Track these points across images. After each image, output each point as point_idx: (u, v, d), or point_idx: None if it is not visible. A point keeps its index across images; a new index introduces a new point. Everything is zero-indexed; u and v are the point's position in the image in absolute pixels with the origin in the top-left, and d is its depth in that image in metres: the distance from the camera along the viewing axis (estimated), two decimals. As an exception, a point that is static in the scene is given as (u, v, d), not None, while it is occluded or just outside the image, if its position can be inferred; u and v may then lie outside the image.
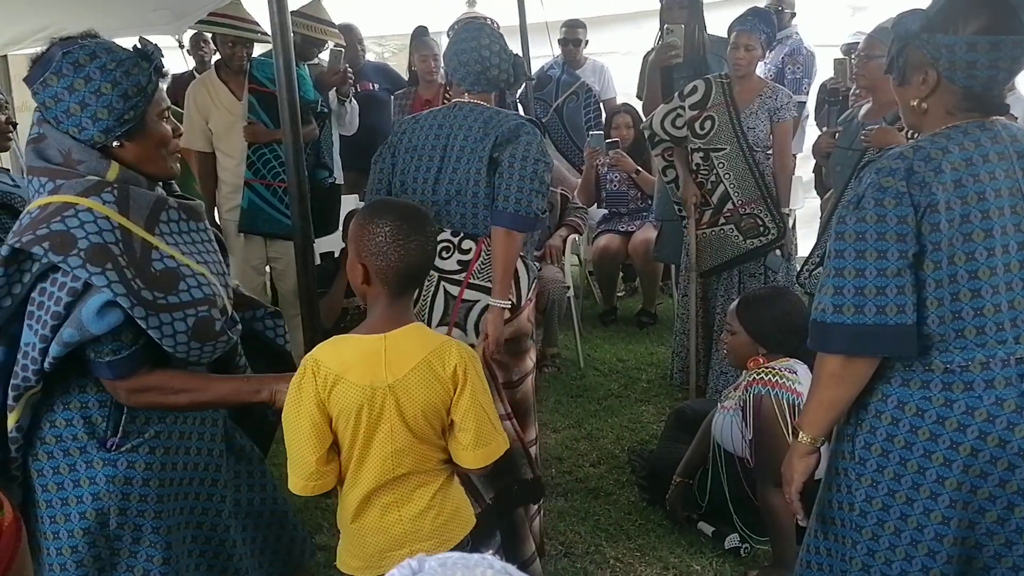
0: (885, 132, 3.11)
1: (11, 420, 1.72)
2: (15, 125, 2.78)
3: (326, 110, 4.09)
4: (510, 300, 2.55)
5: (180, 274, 1.73)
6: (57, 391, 1.76)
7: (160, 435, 1.82)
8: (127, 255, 1.66)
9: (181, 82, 5.37)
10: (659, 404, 3.98)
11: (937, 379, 1.66)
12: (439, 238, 2.58)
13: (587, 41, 5.50)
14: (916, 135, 1.78)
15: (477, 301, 2.58)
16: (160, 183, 1.84)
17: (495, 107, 2.66)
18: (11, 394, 1.70)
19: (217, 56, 4.28)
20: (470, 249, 2.59)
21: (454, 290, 2.57)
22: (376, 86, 5.15)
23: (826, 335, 1.67)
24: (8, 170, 2.62)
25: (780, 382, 2.65)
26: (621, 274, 5.50)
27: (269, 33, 3.96)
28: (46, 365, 1.67)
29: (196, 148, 4.08)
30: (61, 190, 1.68)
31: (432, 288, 2.59)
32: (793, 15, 5.31)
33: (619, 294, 5.58)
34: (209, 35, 4.70)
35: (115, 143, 1.72)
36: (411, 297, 1.79)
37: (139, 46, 1.74)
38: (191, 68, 5.60)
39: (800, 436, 1.79)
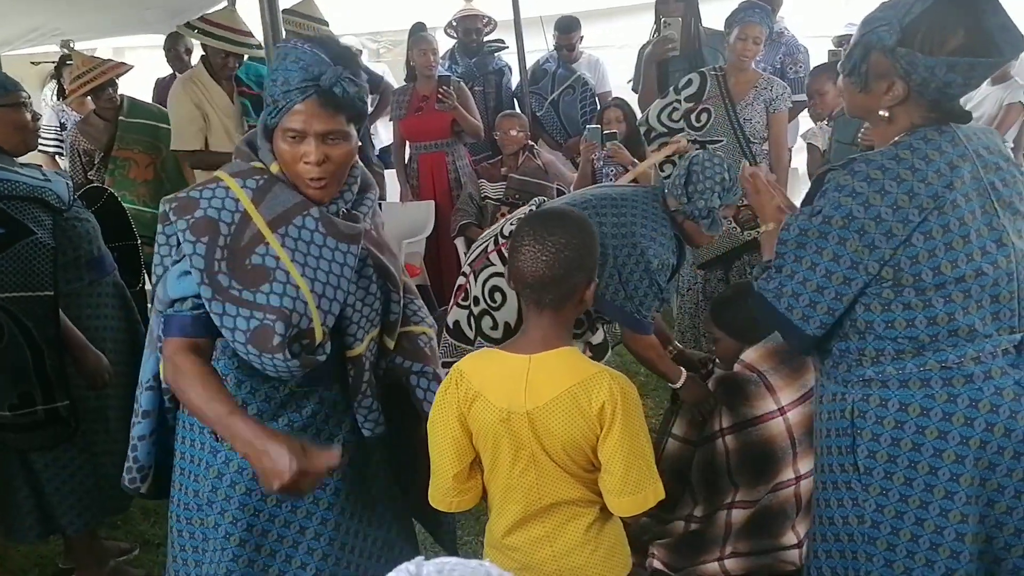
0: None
1: (163, 372, 1.74)
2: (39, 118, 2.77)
3: None
4: None
5: (271, 276, 1.64)
6: None
7: None
8: (232, 238, 1.63)
9: (163, 85, 5.35)
10: (657, 398, 3.98)
11: (936, 376, 1.65)
12: None
13: (582, 37, 5.49)
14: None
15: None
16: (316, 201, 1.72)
17: None
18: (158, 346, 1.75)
19: (197, 55, 4.23)
20: None
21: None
22: None
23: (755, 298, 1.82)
24: (40, 166, 2.62)
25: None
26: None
27: (254, 44, 3.96)
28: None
29: (189, 148, 3.95)
30: (226, 167, 1.73)
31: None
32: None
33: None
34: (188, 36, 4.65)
35: (270, 144, 1.72)
36: (561, 316, 1.63)
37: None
38: (172, 72, 5.56)
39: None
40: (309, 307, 1.65)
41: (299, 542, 1.80)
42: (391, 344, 1.90)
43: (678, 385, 2.74)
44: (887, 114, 1.69)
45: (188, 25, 3.95)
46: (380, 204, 2.52)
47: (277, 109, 1.65)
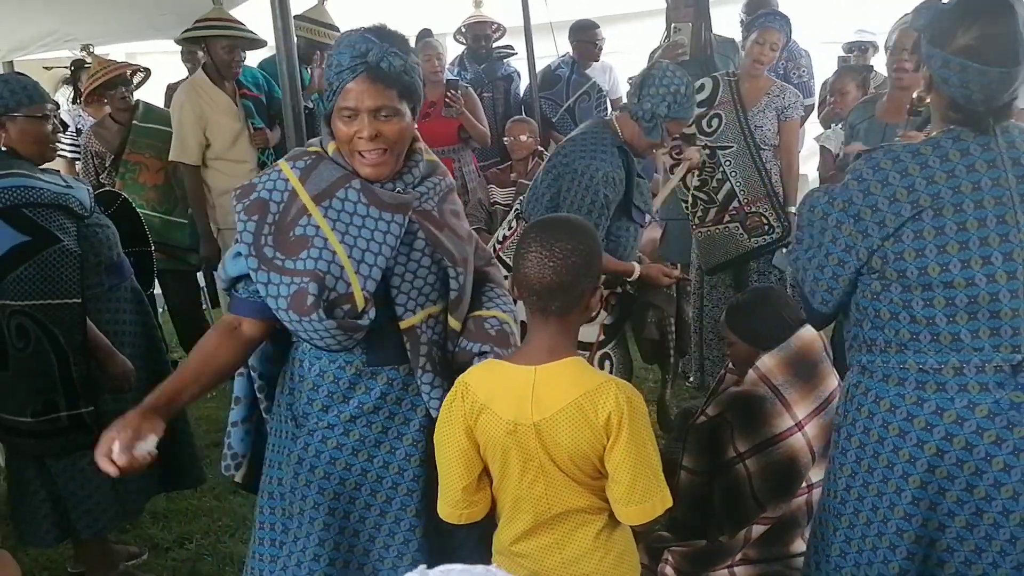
0: (914, 138, 3.06)
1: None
2: (65, 127, 2.80)
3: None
4: None
5: (311, 243, 1.72)
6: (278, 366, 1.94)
7: (334, 427, 1.81)
8: (280, 215, 1.75)
9: (175, 91, 5.34)
10: (667, 403, 3.97)
11: (912, 377, 1.68)
12: None
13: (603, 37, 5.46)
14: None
15: None
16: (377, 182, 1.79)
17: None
18: None
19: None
20: None
21: None
22: None
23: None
24: (59, 172, 2.65)
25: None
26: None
27: (258, 34, 3.97)
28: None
29: (188, 161, 3.94)
30: (285, 156, 1.86)
31: None
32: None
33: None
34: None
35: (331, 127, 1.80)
36: (567, 323, 1.62)
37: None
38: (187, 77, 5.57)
39: None
40: (346, 271, 1.72)
41: (381, 524, 1.84)
42: (456, 325, 1.89)
43: (635, 277, 2.92)
44: (926, 98, 1.73)
45: (185, 32, 3.96)
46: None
47: (332, 91, 1.75)
